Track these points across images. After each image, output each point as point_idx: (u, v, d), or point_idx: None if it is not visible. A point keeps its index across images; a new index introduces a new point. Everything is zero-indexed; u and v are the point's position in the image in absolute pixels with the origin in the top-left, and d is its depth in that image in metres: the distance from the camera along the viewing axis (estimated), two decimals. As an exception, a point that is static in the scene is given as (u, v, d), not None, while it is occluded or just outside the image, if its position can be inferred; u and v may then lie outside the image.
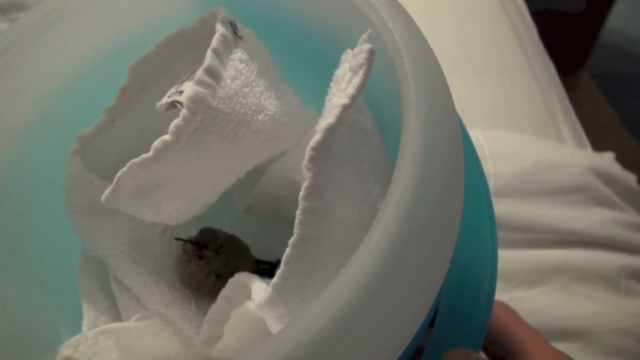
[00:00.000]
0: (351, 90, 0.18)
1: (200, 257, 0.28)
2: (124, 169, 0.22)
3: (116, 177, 0.22)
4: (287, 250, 0.18)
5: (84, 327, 0.25)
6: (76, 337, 0.21)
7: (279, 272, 0.19)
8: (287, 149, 0.26)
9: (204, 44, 0.28)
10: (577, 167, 0.44)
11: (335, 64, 0.23)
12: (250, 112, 0.23)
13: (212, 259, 0.30)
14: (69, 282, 0.27)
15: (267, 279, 0.24)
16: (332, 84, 0.21)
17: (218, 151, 0.23)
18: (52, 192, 0.27)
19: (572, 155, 0.46)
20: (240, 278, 0.26)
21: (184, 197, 0.24)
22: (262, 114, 0.23)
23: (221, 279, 0.31)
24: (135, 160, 0.22)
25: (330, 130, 0.18)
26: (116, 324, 0.23)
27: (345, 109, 0.18)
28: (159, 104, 0.24)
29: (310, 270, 0.19)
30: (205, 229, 0.31)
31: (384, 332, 0.17)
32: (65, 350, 0.18)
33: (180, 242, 0.30)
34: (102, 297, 0.28)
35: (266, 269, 0.35)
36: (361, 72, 0.18)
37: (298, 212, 0.18)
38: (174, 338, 0.24)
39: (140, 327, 0.23)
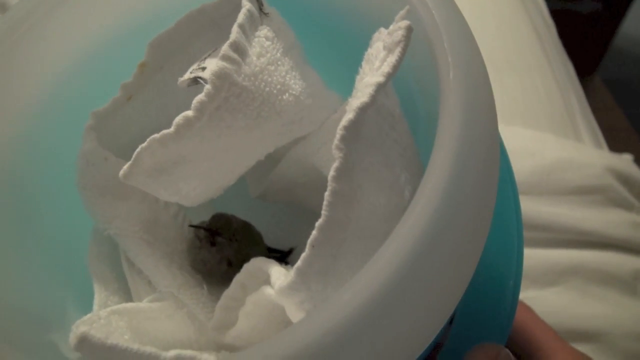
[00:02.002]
0: (387, 68, 0.18)
1: (213, 244, 0.28)
2: (144, 144, 0.21)
3: (135, 153, 0.21)
4: (314, 233, 0.18)
5: (95, 307, 0.25)
6: (89, 315, 0.21)
7: (303, 255, 0.18)
8: (309, 132, 0.25)
9: (225, 23, 0.28)
10: (596, 167, 0.43)
11: (359, 48, 0.22)
12: (275, 91, 0.22)
13: (224, 246, 0.29)
14: (79, 261, 0.27)
15: (285, 265, 0.24)
16: (363, 64, 0.20)
17: (240, 131, 0.22)
18: (65, 169, 0.27)
19: (591, 155, 0.45)
20: (257, 263, 0.25)
21: (202, 178, 0.24)
22: (286, 94, 0.23)
23: (233, 266, 0.30)
24: (156, 136, 0.21)
25: (363, 110, 0.18)
26: (129, 304, 0.22)
27: (380, 87, 0.18)
28: (180, 79, 0.24)
29: (334, 255, 0.18)
30: (218, 214, 0.30)
31: (414, 322, 0.16)
32: (82, 326, 0.18)
33: (193, 228, 0.29)
34: (113, 278, 0.27)
35: (276, 258, 0.34)
36: (398, 50, 0.18)
37: (327, 194, 0.17)
38: (187, 322, 0.23)
39: (154, 308, 0.22)
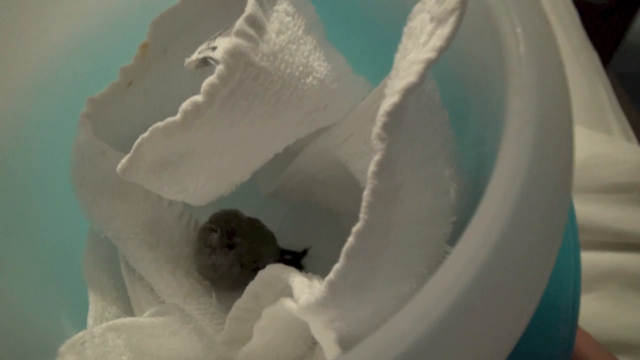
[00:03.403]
0: (438, 42, 0.15)
1: (231, 247, 0.25)
2: (145, 134, 0.18)
3: (135, 144, 0.18)
4: (350, 240, 0.15)
5: (90, 320, 0.22)
6: (80, 334, 0.18)
7: (336, 267, 0.15)
8: (333, 122, 0.22)
9: (236, 2, 0.25)
10: (631, 163, 0.40)
11: (384, 31, 0.19)
12: (297, 74, 0.19)
13: (239, 246, 0.26)
14: (73, 267, 0.24)
15: (304, 272, 0.21)
16: (404, 39, 0.17)
17: (257, 119, 0.19)
18: (58, 163, 0.24)
19: (625, 150, 0.42)
20: (273, 270, 0.22)
21: (212, 174, 0.21)
22: (310, 77, 0.20)
23: (244, 268, 0.27)
24: (159, 124, 0.18)
25: (410, 91, 0.15)
26: (128, 319, 0.19)
27: (431, 65, 0.15)
28: (187, 60, 0.21)
29: (373, 266, 0.15)
30: (220, 211, 0.27)
31: (486, 340, 0.13)
32: (67, 354, 0.15)
33: (199, 229, 0.26)
34: (110, 286, 0.24)
35: (290, 260, 0.31)
36: (452, 20, 0.15)
37: (366, 193, 0.14)
38: (194, 338, 0.20)
39: (156, 324, 0.19)
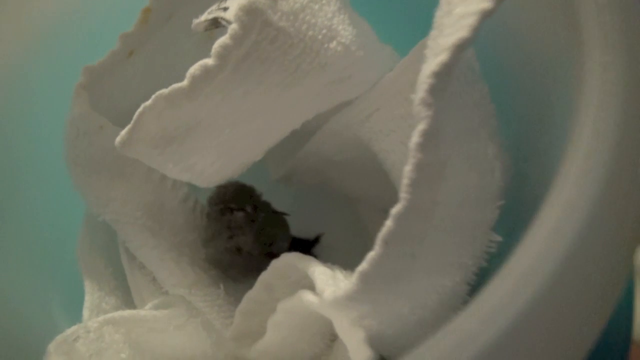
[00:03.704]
0: (496, -11, 0.12)
1: (253, 221, 0.22)
2: (148, 102, 0.16)
3: (137, 114, 0.16)
4: (388, 224, 0.12)
5: (85, 312, 0.20)
6: (73, 328, 0.16)
7: (371, 256, 0.13)
8: (356, 95, 0.20)
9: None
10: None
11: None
12: (320, 37, 0.17)
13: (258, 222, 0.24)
14: (67, 254, 0.22)
15: (327, 264, 0.19)
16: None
17: (273, 88, 0.17)
18: (49, 139, 0.21)
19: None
20: (288, 260, 0.20)
21: (221, 150, 0.18)
22: (334, 42, 0.17)
23: (253, 255, 0.25)
24: (164, 91, 0.16)
25: (461, 48, 0.12)
26: (127, 312, 0.17)
27: (486, 16, 0.12)
28: (196, 21, 0.18)
29: (413, 255, 0.13)
30: (228, 184, 0.24)
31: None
32: (55, 353, 0.13)
33: (211, 211, 0.24)
34: (108, 274, 0.22)
35: (302, 248, 0.29)
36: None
37: (408, 169, 0.12)
38: (202, 333, 0.18)
39: (159, 317, 0.17)
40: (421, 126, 0.12)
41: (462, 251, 0.14)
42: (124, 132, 0.17)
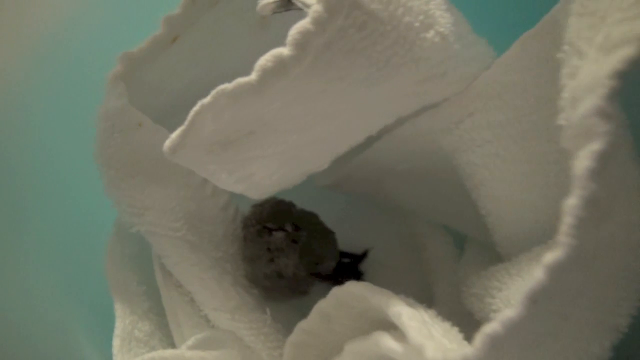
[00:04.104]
0: None
1: (295, 241, 0.20)
2: (206, 100, 0.13)
3: (192, 113, 0.13)
4: (539, 277, 0.09)
5: (116, 341, 0.17)
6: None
7: (508, 316, 0.10)
8: (446, 96, 0.17)
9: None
10: None
11: None
12: (417, 25, 0.14)
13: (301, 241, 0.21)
14: (94, 269, 0.19)
15: (412, 302, 0.15)
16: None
17: (356, 86, 0.14)
18: (77, 135, 0.19)
19: None
20: (355, 290, 0.17)
21: (286, 158, 0.15)
22: (432, 31, 0.14)
23: (298, 277, 0.22)
24: (226, 87, 0.13)
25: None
26: (169, 353, 0.14)
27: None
28: (262, 3, 0.15)
29: (565, 315, 0.10)
30: (267, 200, 0.21)
31: None
32: None
33: (248, 232, 0.21)
34: (141, 294, 0.19)
35: (348, 264, 0.26)
36: None
37: (574, 203, 0.09)
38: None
39: (207, 360, 0.14)
40: (596, 145, 0.09)
41: (618, 308, 0.11)
42: (175, 135, 0.14)
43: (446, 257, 0.24)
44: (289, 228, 0.21)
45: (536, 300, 0.09)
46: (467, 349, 0.10)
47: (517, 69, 0.16)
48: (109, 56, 0.18)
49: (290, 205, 0.23)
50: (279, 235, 0.19)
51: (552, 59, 0.15)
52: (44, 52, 0.19)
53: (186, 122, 0.13)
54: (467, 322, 0.17)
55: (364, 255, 0.26)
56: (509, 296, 0.15)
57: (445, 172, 0.20)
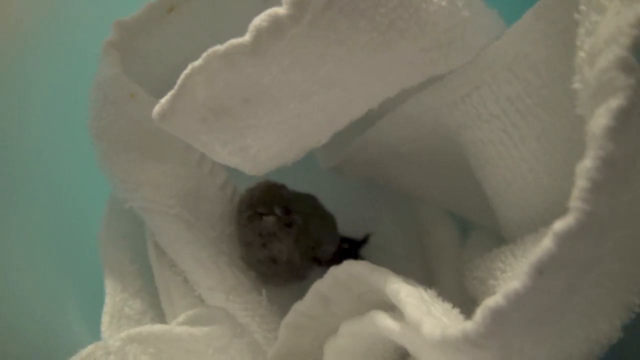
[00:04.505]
0: None
1: (289, 225, 0.19)
2: (197, 62, 0.12)
3: (182, 77, 0.13)
4: (547, 244, 0.08)
5: (105, 318, 0.17)
6: (90, 347, 0.12)
7: (512, 288, 0.09)
8: (452, 68, 0.16)
9: None
10: None
11: None
12: (422, -13, 0.13)
13: (297, 223, 0.20)
14: (86, 245, 0.18)
15: (412, 282, 0.15)
16: None
17: (357, 51, 0.13)
18: (69, 106, 0.18)
19: None
20: (354, 270, 0.16)
21: (284, 129, 0.15)
22: (438, -5, 0.13)
23: (302, 257, 0.21)
24: (219, 48, 0.12)
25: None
26: (157, 327, 0.13)
27: None
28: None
29: (573, 288, 0.09)
30: (261, 184, 0.21)
31: None
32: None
33: (240, 217, 0.20)
34: (133, 272, 0.19)
35: (348, 249, 0.25)
36: None
37: (589, 165, 0.08)
38: (247, 357, 0.14)
39: (197, 336, 0.14)
40: (615, 101, 0.08)
41: (631, 285, 0.10)
42: (164, 100, 0.13)
43: (449, 244, 0.24)
44: (278, 212, 0.20)
45: (543, 270, 0.09)
46: (467, 323, 0.10)
47: (530, 39, 0.15)
48: (103, 27, 0.18)
49: (281, 188, 0.22)
50: (269, 219, 0.19)
51: (567, 31, 0.14)
52: (36, 21, 0.18)
53: (176, 86, 0.13)
54: (470, 310, 0.16)
55: (364, 240, 0.25)
56: (513, 278, 0.14)
57: (450, 154, 0.20)
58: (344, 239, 0.25)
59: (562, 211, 0.10)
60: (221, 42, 0.20)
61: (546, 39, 0.15)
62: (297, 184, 0.22)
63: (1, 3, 0.17)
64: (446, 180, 0.22)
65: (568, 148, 0.15)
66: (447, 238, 0.24)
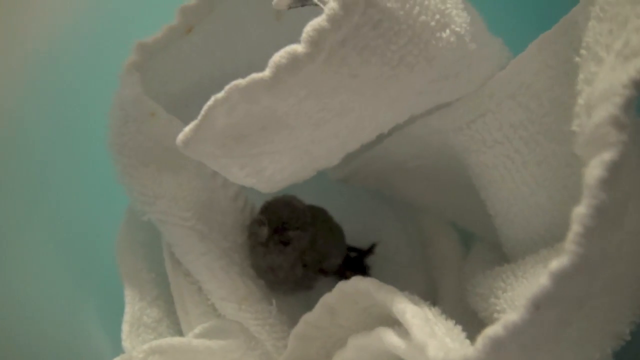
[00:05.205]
0: None
1: (285, 243, 0.20)
2: (220, 95, 0.13)
3: (205, 108, 0.13)
4: (543, 283, 0.09)
5: (125, 327, 0.17)
6: (117, 359, 0.13)
7: (510, 319, 0.10)
8: (459, 96, 0.17)
9: None
10: None
11: None
12: (432, 24, 0.14)
13: (299, 241, 0.21)
14: (104, 254, 0.19)
15: (417, 299, 0.16)
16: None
17: (369, 84, 0.14)
18: (90, 124, 0.19)
19: None
20: (360, 285, 0.17)
21: (297, 154, 0.16)
22: (447, 31, 0.14)
23: (308, 268, 0.22)
24: (240, 82, 0.13)
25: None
26: (176, 340, 0.14)
27: None
28: (277, -3, 0.15)
29: (568, 321, 0.10)
30: (275, 200, 0.21)
31: None
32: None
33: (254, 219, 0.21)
34: (150, 281, 0.20)
35: (354, 258, 0.26)
36: None
37: (583, 212, 0.09)
38: (261, 368, 0.15)
39: (214, 349, 0.15)
40: (608, 155, 0.09)
41: (622, 316, 0.11)
42: (188, 128, 0.14)
43: (452, 254, 0.24)
44: (265, 230, 0.20)
45: (539, 305, 0.09)
46: (469, 350, 0.11)
47: (533, 70, 0.15)
48: (123, 46, 0.19)
49: (285, 203, 0.22)
50: (263, 231, 0.19)
51: (569, 62, 0.15)
52: (59, 41, 0.19)
53: (199, 117, 0.13)
54: (470, 320, 0.17)
55: (370, 249, 0.26)
56: (513, 297, 0.15)
57: (455, 171, 0.20)
58: (351, 248, 0.26)
59: (561, 232, 0.10)
60: (236, 59, 0.21)
61: (549, 70, 0.15)
62: (306, 193, 0.23)
63: (20, 29, 0.18)
64: (450, 194, 0.23)
65: (567, 173, 0.16)
66: (450, 248, 0.24)
